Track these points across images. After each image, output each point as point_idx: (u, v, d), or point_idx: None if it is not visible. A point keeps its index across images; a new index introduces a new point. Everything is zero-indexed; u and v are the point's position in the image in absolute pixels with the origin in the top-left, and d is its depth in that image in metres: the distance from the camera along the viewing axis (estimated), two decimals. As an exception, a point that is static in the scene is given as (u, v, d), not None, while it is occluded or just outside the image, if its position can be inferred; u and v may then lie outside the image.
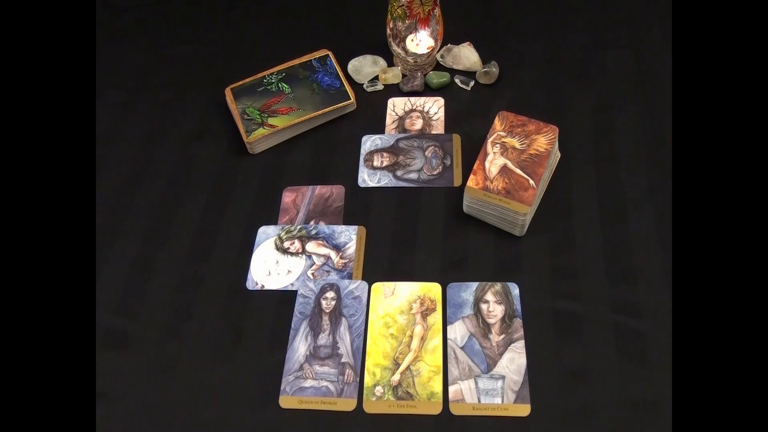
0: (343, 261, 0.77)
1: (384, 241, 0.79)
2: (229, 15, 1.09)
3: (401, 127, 0.90)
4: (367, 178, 0.85)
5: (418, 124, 0.90)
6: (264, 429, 0.65)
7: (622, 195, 0.80)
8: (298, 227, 0.81)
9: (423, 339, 0.70)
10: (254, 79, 0.93)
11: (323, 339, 0.71)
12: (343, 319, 0.73)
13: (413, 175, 0.85)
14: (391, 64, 0.96)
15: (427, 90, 0.94)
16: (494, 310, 0.72)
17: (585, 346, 0.69)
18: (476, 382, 0.67)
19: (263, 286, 0.76)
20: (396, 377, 0.68)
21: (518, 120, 0.80)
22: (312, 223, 0.81)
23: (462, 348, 0.69)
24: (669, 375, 0.65)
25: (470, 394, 0.66)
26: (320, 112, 0.89)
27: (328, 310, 0.74)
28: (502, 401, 0.66)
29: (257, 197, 0.84)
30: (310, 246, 0.79)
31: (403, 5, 0.88)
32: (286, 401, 0.67)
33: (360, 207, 0.83)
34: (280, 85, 0.93)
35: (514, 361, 0.68)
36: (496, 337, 0.70)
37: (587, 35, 0.99)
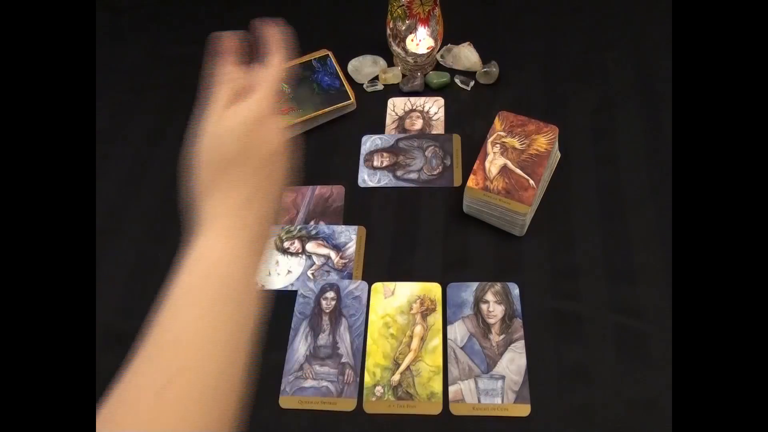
0: (343, 261, 0.77)
1: (384, 241, 0.79)
2: (229, 15, 1.09)
3: (401, 127, 0.90)
4: (367, 178, 0.85)
5: (418, 124, 0.90)
6: (264, 429, 0.65)
7: (622, 195, 0.80)
8: (298, 227, 0.81)
9: (423, 339, 0.70)
10: (254, 79, 0.93)
11: (323, 339, 0.71)
12: (343, 319, 0.73)
13: (413, 175, 0.85)
14: (391, 64, 0.96)
15: (427, 90, 0.94)
16: (494, 310, 0.72)
17: (585, 346, 0.69)
18: (476, 382, 0.67)
19: (263, 286, 0.76)
20: (396, 377, 0.68)
21: (518, 120, 0.80)
22: (312, 223, 0.81)
23: (462, 348, 0.69)
24: (669, 375, 0.65)
25: (470, 394, 0.66)
26: (320, 112, 0.89)
27: (328, 310, 0.73)
28: (502, 401, 0.66)
29: (257, 197, 0.84)
30: (310, 246, 0.79)
31: (403, 5, 0.88)
32: (286, 401, 0.67)
33: (360, 207, 0.83)
34: (280, 84, 0.92)
35: (514, 361, 0.68)
36: (496, 337, 0.70)
37: (587, 35, 0.99)
